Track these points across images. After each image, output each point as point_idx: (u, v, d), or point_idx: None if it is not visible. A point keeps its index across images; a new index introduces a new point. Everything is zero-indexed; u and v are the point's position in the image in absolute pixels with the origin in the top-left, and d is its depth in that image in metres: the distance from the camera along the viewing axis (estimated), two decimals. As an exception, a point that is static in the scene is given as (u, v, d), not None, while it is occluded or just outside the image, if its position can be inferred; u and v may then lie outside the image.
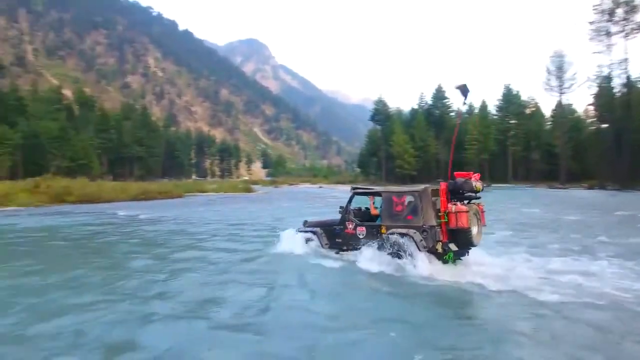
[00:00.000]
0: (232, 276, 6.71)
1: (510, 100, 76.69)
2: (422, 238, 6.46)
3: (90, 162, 66.41)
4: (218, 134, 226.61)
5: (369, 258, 6.75)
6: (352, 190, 7.98)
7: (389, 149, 78.49)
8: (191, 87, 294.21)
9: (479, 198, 6.94)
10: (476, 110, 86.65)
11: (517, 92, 79.04)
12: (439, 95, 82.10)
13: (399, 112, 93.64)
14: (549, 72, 66.17)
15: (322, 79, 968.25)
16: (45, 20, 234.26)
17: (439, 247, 6.40)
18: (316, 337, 4.13)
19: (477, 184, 6.56)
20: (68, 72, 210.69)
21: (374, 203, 8.07)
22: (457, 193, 6.61)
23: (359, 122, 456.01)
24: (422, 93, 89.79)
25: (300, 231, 8.40)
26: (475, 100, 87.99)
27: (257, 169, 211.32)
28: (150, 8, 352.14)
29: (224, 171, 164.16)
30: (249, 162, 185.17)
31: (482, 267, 6.77)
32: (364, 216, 7.94)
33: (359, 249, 7.16)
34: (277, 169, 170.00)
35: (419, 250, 6.40)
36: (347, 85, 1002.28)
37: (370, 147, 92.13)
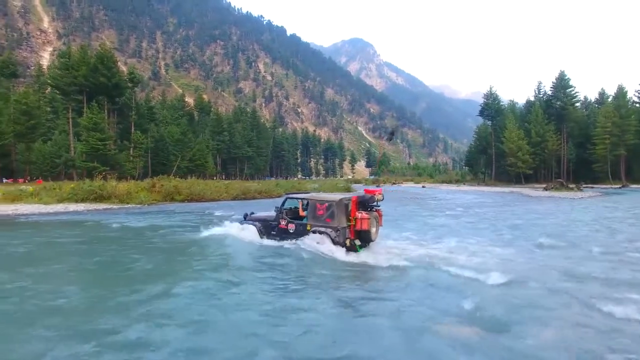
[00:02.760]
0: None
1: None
2: (336, 235, 8.81)
3: (205, 162, 72.75)
4: (323, 134, 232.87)
5: (301, 245, 9.11)
6: (286, 195, 10.61)
7: (500, 145, 71.75)
8: (298, 89, 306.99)
9: (379, 206, 9.45)
10: (609, 99, 75.01)
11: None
12: (562, 83, 72.19)
13: (512, 105, 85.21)
14: None
15: (428, 75, 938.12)
16: (175, 38, 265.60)
17: (347, 242, 8.76)
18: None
19: (379, 197, 9.22)
20: (191, 81, 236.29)
21: (302, 206, 10.19)
22: (364, 204, 9.03)
23: (468, 118, 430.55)
24: (540, 82, 79.73)
25: (243, 223, 10.68)
26: (607, 86, 76.04)
27: (361, 167, 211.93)
28: (261, 17, 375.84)
29: (328, 170, 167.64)
30: (353, 161, 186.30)
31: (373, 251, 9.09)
32: (294, 215, 10.09)
33: (289, 240, 9.45)
34: (380, 168, 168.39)
35: (333, 243, 8.74)
36: (455, 80, 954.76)
37: (479, 144, 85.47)
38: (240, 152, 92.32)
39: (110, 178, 23.50)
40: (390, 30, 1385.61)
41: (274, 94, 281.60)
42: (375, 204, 9.23)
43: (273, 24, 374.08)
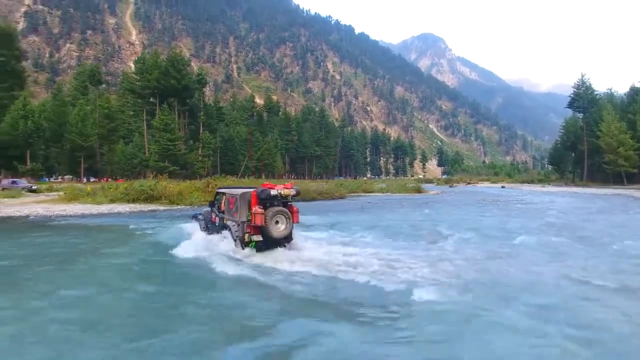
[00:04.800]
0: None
1: None
2: (237, 229, 8.70)
3: (274, 162, 73.15)
4: (393, 132, 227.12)
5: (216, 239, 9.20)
6: (217, 189, 10.96)
7: (595, 141, 63.00)
8: (367, 88, 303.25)
9: (290, 202, 8.88)
10: None
11: None
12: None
13: (610, 95, 74.93)
14: None
15: (505, 68, 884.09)
16: (246, 42, 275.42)
17: (246, 237, 8.49)
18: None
19: (284, 191, 8.68)
20: (261, 83, 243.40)
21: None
22: (262, 198, 8.48)
23: (550, 112, 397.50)
24: (649, 66, 68.57)
25: (197, 216, 11.38)
26: None
27: (433, 166, 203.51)
28: (330, 17, 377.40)
29: (398, 169, 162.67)
30: (424, 159, 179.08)
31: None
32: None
33: (216, 233, 9.55)
34: (453, 167, 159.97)
35: (233, 238, 8.75)
36: (535, 72, 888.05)
37: (567, 140, 76.32)
38: (308, 151, 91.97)
39: (161, 178, 23.05)
40: (462, 24, 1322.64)
41: (342, 93, 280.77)
42: (282, 199, 8.67)
43: (341, 23, 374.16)
